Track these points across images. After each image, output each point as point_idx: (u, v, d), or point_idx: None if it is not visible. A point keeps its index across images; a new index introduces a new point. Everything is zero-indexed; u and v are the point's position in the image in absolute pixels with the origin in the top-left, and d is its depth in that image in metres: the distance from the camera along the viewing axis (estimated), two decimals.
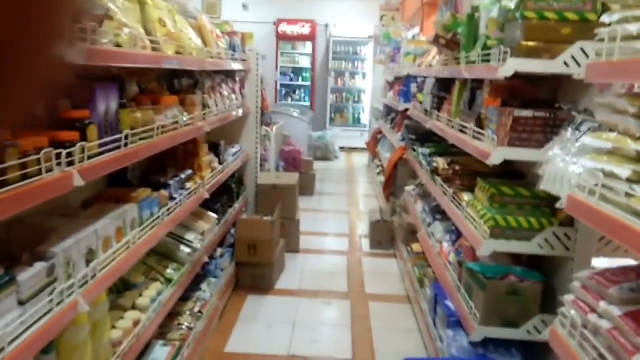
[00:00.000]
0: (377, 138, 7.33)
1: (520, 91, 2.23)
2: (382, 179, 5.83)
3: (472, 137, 2.36)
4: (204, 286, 3.14)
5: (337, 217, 5.77)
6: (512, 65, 1.87)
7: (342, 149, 9.72)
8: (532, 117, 1.95)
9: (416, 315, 3.35)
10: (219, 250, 3.54)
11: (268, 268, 3.76)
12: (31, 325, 1.34)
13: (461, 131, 2.59)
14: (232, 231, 3.83)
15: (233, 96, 3.74)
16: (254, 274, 3.76)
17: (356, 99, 10.81)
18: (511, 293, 2.02)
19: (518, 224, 1.99)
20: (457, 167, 2.73)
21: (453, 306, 2.36)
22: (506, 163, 2.01)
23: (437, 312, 2.64)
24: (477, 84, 2.67)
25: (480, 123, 2.39)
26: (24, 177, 1.23)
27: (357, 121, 10.80)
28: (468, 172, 2.65)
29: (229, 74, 3.86)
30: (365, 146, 8.80)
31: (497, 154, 1.98)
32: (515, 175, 2.45)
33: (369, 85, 10.26)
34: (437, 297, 2.63)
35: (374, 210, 5.16)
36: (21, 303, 1.35)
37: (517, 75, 1.89)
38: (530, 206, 2.08)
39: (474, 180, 2.44)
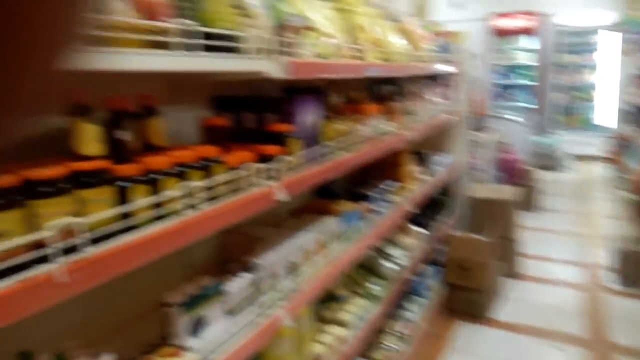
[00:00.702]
0: (621, 144, 6.05)
1: None
2: (630, 196, 4.73)
3: None
4: (409, 305, 2.96)
5: (565, 240, 4.89)
6: None
7: (572, 157, 8.35)
8: None
9: None
10: (426, 268, 3.32)
11: (481, 294, 3.36)
12: (237, 336, 1.37)
13: None
14: (440, 248, 3.57)
15: (440, 101, 3.49)
16: (465, 298, 3.40)
17: (586, 98, 9.19)
18: None
19: None
20: None
21: None
22: None
23: None
24: None
25: None
26: (230, 191, 1.25)
27: (589, 123, 9.17)
28: None
29: (437, 77, 3.63)
30: (602, 154, 7.39)
31: None
32: None
33: (602, 81, 8.62)
34: None
35: (619, 236, 4.18)
36: (228, 313, 1.39)
37: None
38: None
39: None
